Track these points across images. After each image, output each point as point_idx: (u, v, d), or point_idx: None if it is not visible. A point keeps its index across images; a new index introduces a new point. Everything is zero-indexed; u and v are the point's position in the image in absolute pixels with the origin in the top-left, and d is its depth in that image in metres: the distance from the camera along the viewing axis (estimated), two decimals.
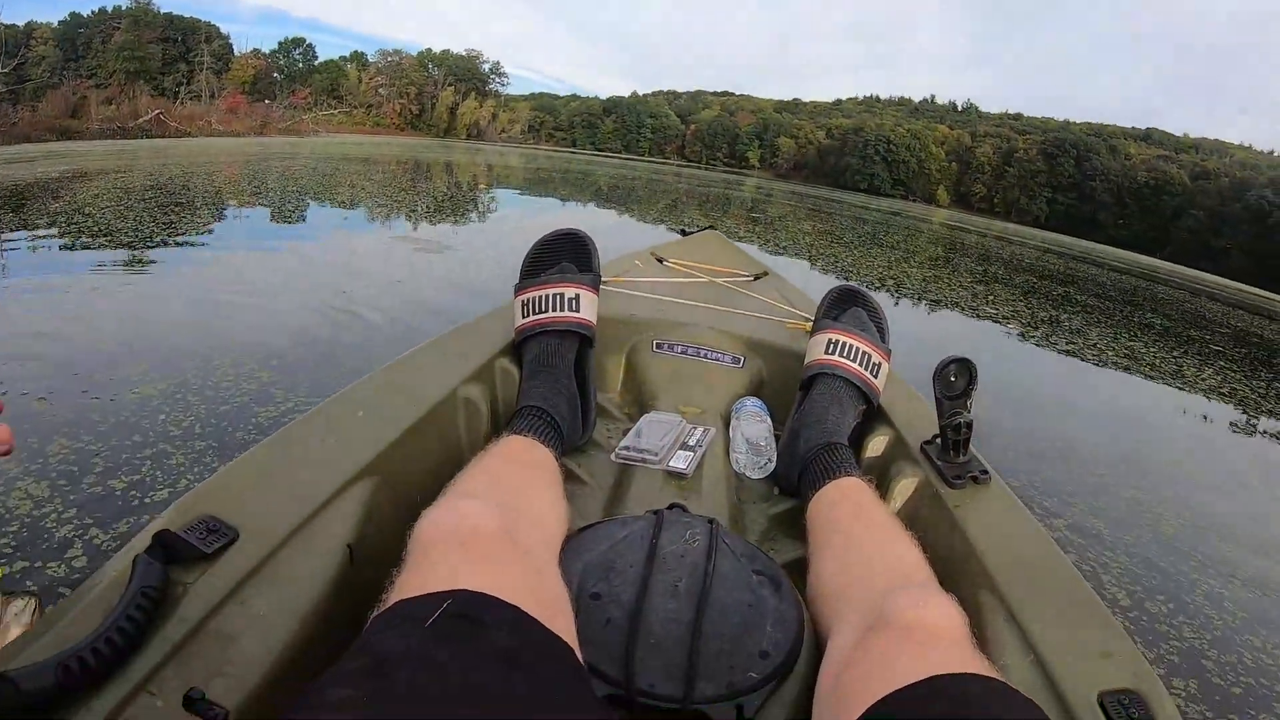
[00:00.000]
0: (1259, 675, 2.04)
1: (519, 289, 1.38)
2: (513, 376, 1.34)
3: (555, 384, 1.26)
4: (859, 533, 1.01)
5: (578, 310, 1.33)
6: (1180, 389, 5.91)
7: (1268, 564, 2.76)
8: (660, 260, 2.19)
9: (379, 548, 0.85)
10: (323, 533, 0.82)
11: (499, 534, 0.71)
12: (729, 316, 1.75)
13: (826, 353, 1.33)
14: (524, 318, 1.35)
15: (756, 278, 2.16)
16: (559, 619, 0.67)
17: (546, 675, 0.59)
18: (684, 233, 2.69)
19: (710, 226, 2.84)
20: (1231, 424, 5.38)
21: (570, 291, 1.34)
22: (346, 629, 0.73)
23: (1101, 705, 0.75)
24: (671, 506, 1.07)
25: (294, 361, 2.89)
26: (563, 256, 1.41)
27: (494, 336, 1.41)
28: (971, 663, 0.67)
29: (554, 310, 1.33)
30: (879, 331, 1.40)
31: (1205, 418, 5.38)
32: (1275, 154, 63.30)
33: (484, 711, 0.53)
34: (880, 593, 0.79)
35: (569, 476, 1.23)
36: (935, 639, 0.70)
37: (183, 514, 0.77)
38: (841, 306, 1.43)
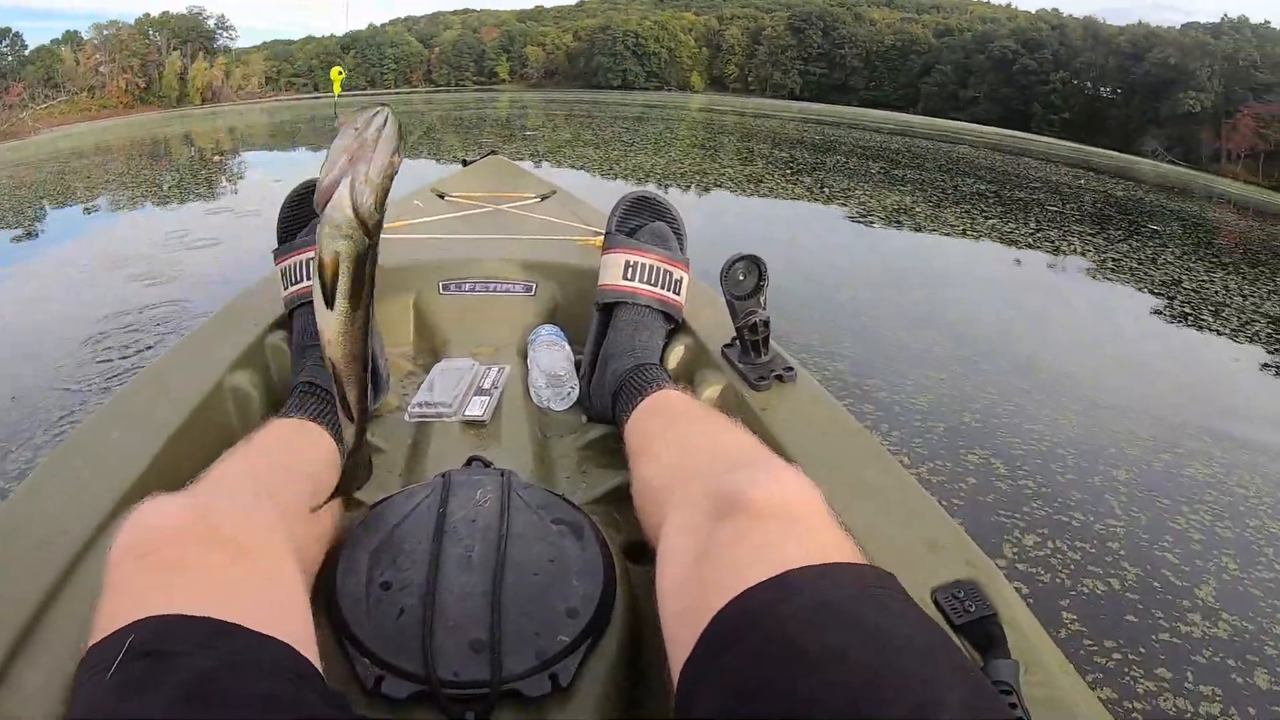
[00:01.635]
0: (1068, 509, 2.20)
1: (277, 255, 1.21)
2: (288, 354, 1.19)
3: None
4: (684, 429, 0.94)
5: None
6: (954, 236, 6.32)
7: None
8: (441, 196, 2.04)
9: None
10: (79, 588, 0.70)
11: (194, 535, 0.59)
12: (517, 244, 1.64)
13: (625, 278, 1.22)
14: (286, 288, 1.19)
15: (544, 198, 2.05)
16: (290, 621, 0.59)
17: (251, 692, 0.50)
18: (465, 162, 2.54)
19: (493, 152, 2.67)
20: (1017, 263, 5.81)
21: None
22: None
23: (935, 601, 0.72)
24: (470, 461, 0.98)
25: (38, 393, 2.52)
26: (312, 211, 1.24)
27: (262, 311, 1.25)
28: (839, 545, 0.61)
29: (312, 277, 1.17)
30: (677, 237, 1.30)
31: (994, 260, 5.77)
32: (1011, 6, 67.08)
33: None
34: (720, 476, 0.70)
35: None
36: (792, 518, 0.63)
37: None
38: (635, 217, 1.32)
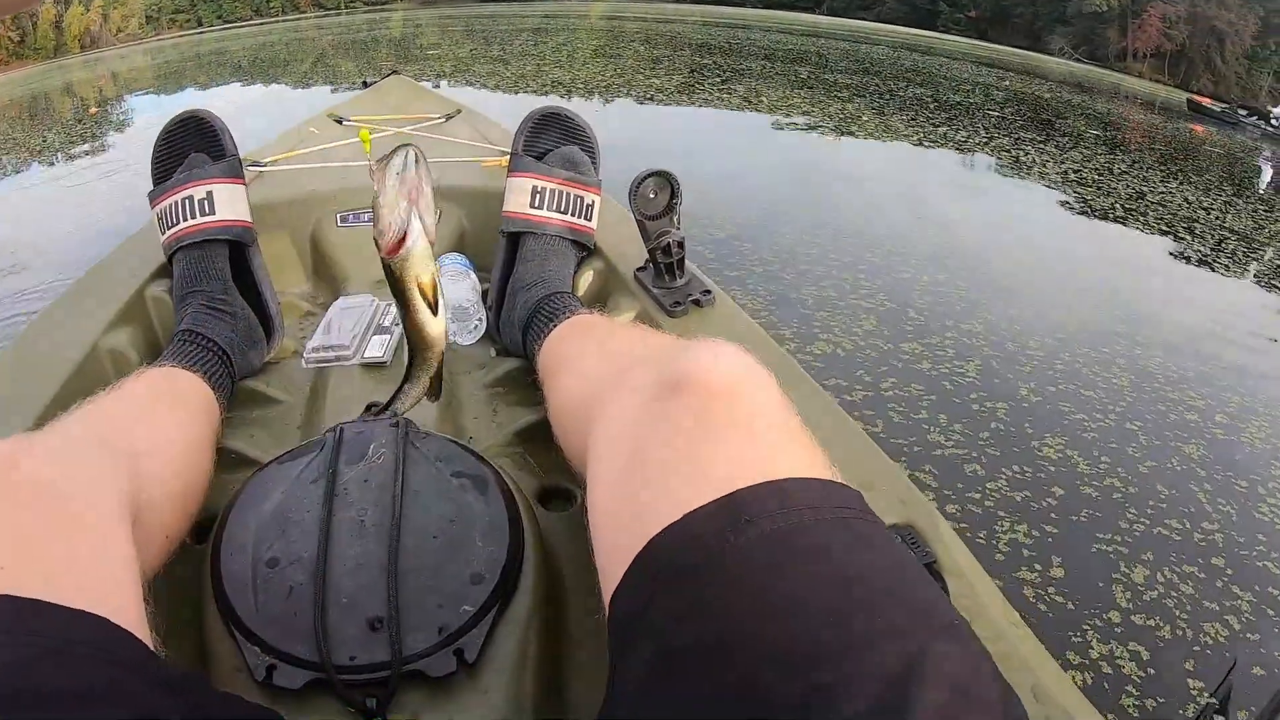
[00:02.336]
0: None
1: (153, 197, 1.10)
2: (171, 305, 1.08)
3: (211, 303, 1.02)
4: (606, 340, 0.86)
5: (213, 212, 1.06)
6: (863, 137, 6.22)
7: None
8: (339, 121, 1.90)
9: None
10: None
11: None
12: None
13: (533, 206, 1.12)
14: (164, 232, 1.08)
15: (448, 118, 1.92)
16: (117, 595, 0.49)
17: (58, 688, 0.42)
18: (365, 84, 2.37)
19: (394, 71, 2.50)
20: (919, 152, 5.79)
21: (199, 191, 1.06)
22: None
23: None
24: (369, 408, 0.90)
25: None
26: (189, 147, 1.12)
27: (140, 262, 1.14)
28: (798, 449, 0.52)
29: (188, 218, 1.05)
30: (590, 157, 1.19)
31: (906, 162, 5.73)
32: None
33: None
34: (653, 364, 0.59)
35: (258, 401, 1.02)
36: (738, 399, 0.52)
37: None
38: (543, 135, 1.19)
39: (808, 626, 0.40)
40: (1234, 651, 1.64)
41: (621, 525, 0.52)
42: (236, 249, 1.09)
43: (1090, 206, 5.10)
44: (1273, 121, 13.50)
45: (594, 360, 0.80)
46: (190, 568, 0.71)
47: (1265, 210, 5.86)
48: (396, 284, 0.71)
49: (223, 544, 0.68)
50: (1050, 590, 1.75)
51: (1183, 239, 4.67)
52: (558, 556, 0.77)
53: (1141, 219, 4.95)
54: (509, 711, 0.61)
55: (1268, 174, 8.20)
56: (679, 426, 0.52)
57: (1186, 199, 5.73)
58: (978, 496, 2.01)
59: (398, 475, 0.71)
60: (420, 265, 0.70)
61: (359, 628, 0.61)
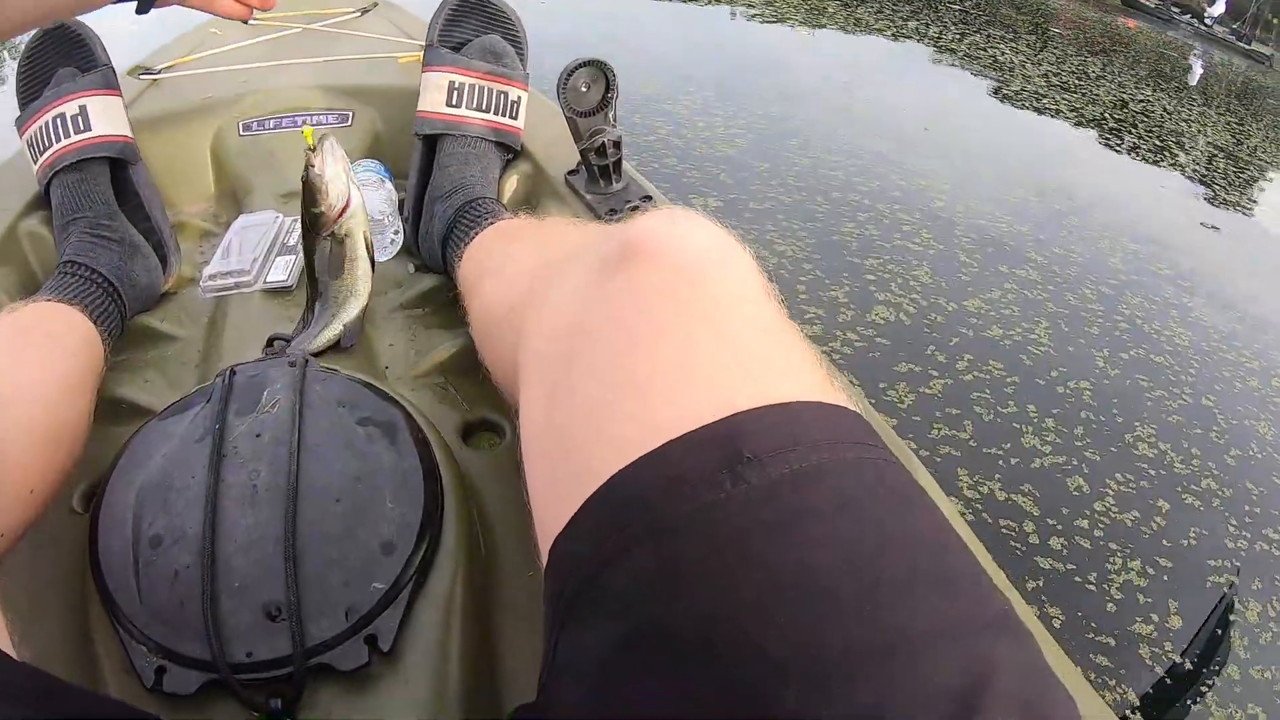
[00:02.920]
0: None
1: (20, 124, 0.97)
2: (49, 238, 0.96)
3: (94, 229, 0.89)
4: (532, 239, 0.75)
5: (88, 128, 0.93)
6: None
7: None
8: (245, 20, 1.71)
9: None
10: None
11: None
12: (330, 67, 1.37)
13: (450, 104, 0.99)
14: (37, 159, 0.95)
15: (364, 12, 1.74)
16: None
17: None
18: None
19: None
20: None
21: (70, 107, 0.93)
22: None
23: None
24: (271, 341, 0.80)
25: None
26: (55, 62, 0.98)
27: (11, 196, 1.00)
28: (795, 348, 0.41)
29: (60, 139, 0.92)
30: (516, 48, 1.05)
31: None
32: None
33: None
34: (590, 252, 0.47)
35: (153, 339, 0.91)
36: (705, 281, 0.41)
37: None
38: (461, 25, 1.04)
39: (840, 619, 0.29)
40: None
41: (566, 454, 0.40)
42: (119, 168, 0.96)
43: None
44: (1206, 20, 13.37)
45: (522, 261, 0.68)
46: (78, 540, 0.62)
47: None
48: (339, 247, 0.78)
49: (101, 519, 0.58)
50: (1168, 648, 1.56)
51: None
52: (485, 507, 0.69)
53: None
54: (434, 703, 0.53)
55: (1198, 71, 8.13)
56: (640, 312, 0.40)
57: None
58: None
59: (294, 427, 0.61)
60: (363, 220, 0.80)
61: (255, 616, 0.52)
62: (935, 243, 2.69)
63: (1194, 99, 6.29)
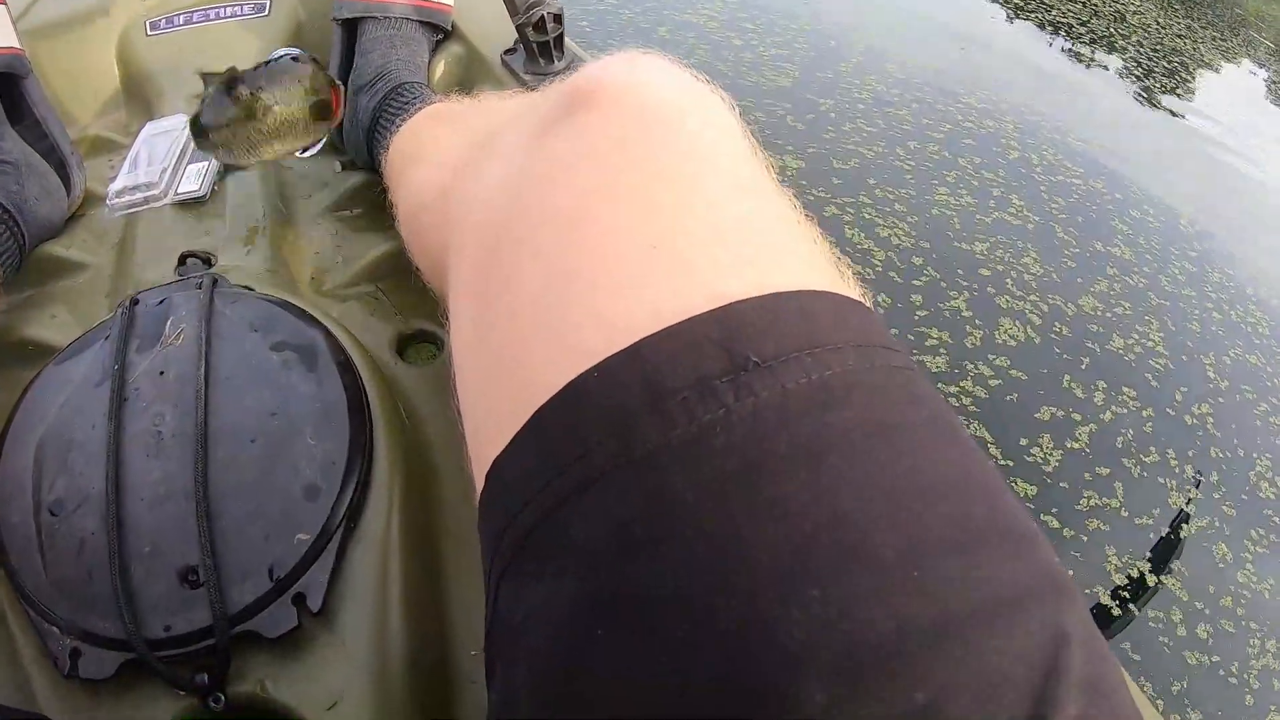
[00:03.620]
0: None
1: None
2: None
3: None
4: (466, 117, 0.66)
5: None
6: None
7: None
8: None
9: None
10: None
11: None
12: None
13: None
14: None
15: None
16: None
17: None
18: None
19: None
20: None
21: None
22: None
23: None
24: (184, 259, 0.72)
25: None
26: None
27: None
28: (796, 223, 0.32)
29: None
30: None
31: None
32: None
33: None
34: (532, 110, 0.38)
35: (60, 268, 0.82)
36: (700, 147, 0.32)
37: None
38: None
39: (883, 589, 0.22)
40: None
41: (506, 360, 0.32)
42: (9, 84, 0.85)
43: None
44: None
45: (451, 140, 0.59)
46: None
47: None
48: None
49: None
50: None
51: None
52: (424, 430, 0.62)
53: None
54: (375, 661, 0.47)
55: None
56: (594, 173, 0.31)
57: None
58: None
59: (200, 360, 0.54)
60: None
61: (170, 584, 0.46)
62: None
63: None
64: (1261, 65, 4.57)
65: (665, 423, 0.25)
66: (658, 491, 0.24)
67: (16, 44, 0.86)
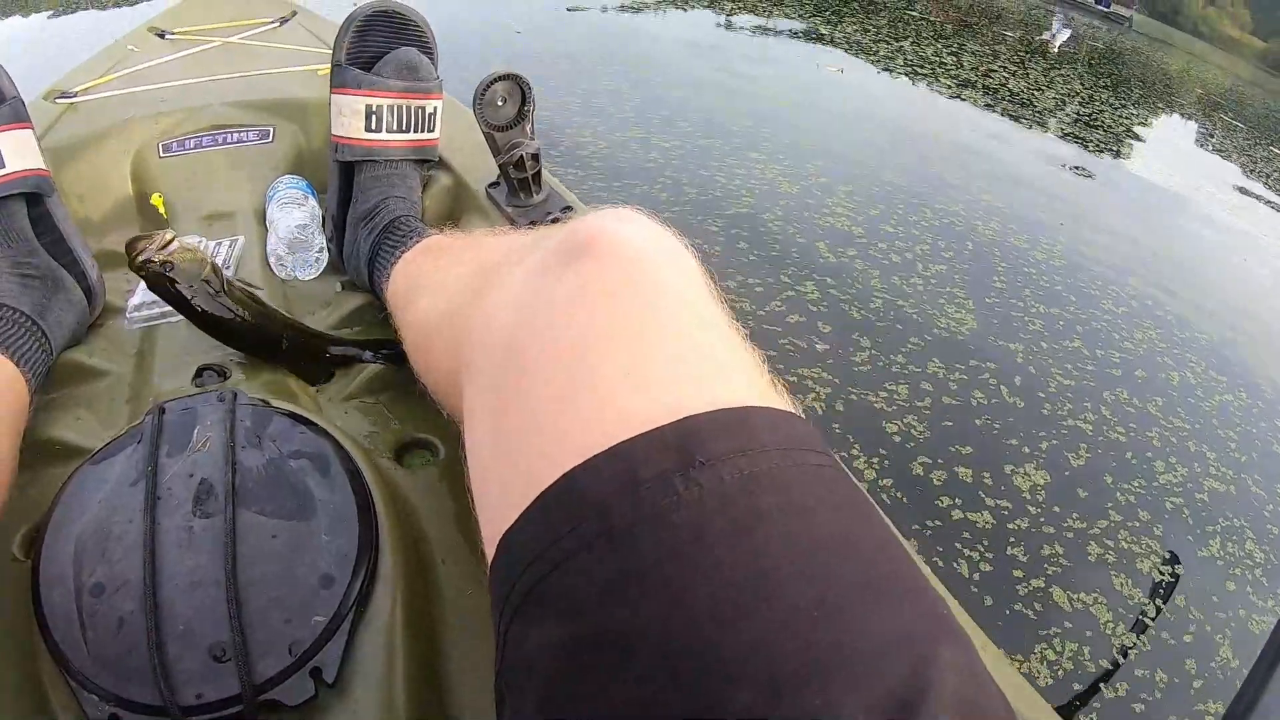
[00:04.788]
0: None
1: None
2: None
3: (15, 268, 0.86)
4: (464, 250, 0.74)
5: (1, 165, 0.89)
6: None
7: None
8: (161, 35, 1.66)
9: None
10: None
11: None
12: (249, 82, 1.35)
13: (370, 129, 0.96)
14: None
15: (283, 21, 1.71)
16: None
17: None
18: None
19: None
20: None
21: None
22: None
23: None
24: (201, 372, 0.80)
25: None
26: None
27: None
28: (744, 351, 0.41)
29: None
30: (427, 54, 1.02)
31: None
32: None
33: None
34: (533, 252, 0.47)
35: (82, 375, 0.90)
36: (670, 293, 0.41)
37: None
38: (369, 39, 1.00)
39: (794, 624, 0.30)
40: None
41: (517, 455, 0.40)
42: (35, 203, 0.93)
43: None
44: None
45: (454, 272, 0.68)
46: (22, 589, 0.62)
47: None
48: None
49: (41, 569, 0.58)
50: None
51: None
52: (422, 528, 0.70)
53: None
54: None
55: (1062, 35, 8.31)
56: (591, 310, 0.40)
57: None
58: None
59: (227, 465, 0.62)
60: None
61: (202, 659, 0.53)
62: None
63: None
64: None
65: (636, 505, 0.33)
66: (630, 554, 0.33)
67: (43, 165, 0.94)
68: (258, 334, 0.82)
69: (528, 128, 0.96)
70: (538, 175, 0.98)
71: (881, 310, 2.22)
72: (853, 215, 2.72)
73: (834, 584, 0.31)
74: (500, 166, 0.96)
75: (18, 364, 0.78)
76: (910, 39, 5.91)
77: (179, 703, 0.51)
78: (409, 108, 0.99)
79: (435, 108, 1.02)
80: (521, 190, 0.97)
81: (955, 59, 5.54)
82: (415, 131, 1.00)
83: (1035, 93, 5.19)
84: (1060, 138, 4.43)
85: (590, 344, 0.39)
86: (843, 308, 2.20)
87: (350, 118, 0.96)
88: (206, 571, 0.56)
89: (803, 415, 0.39)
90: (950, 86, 4.84)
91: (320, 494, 0.62)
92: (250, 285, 0.85)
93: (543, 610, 0.35)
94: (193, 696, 0.52)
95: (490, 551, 0.40)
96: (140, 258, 0.76)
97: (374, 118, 0.96)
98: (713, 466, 0.33)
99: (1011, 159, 3.79)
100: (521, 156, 0.95)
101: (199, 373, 0.80)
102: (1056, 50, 7.36)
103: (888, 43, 5.62)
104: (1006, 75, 5.40)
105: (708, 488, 0.33)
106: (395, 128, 0.98)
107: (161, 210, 0.91)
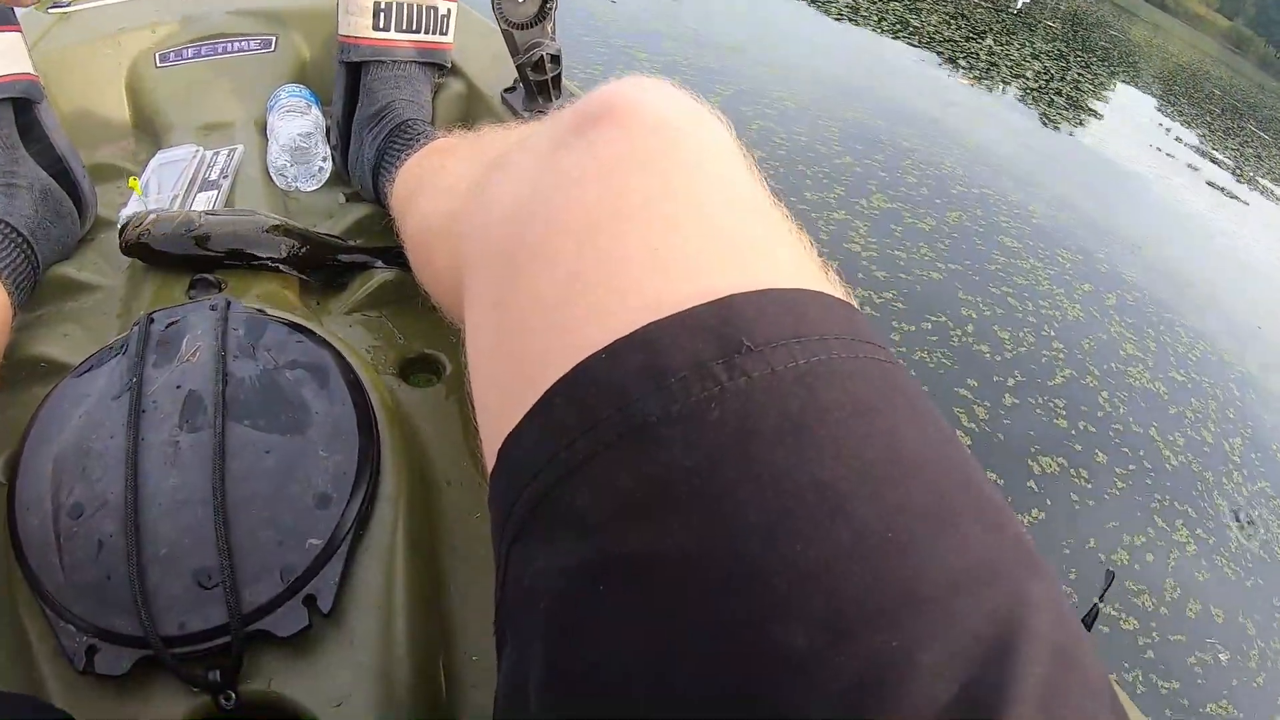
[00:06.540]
0: None
1: None
2: None
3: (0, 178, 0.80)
4: (469, 148, 0.68)
5: None
6: None
7: None
8: None
9: None
10: None
11: None
12: None
13: (377, 27, 0.89)
14: None
15: None
16: None
17: None
18: None
19: None
20: None
21: None
22: None
23: None
24: (194, 284, 0.74)
25: None
26: None
27: None
28: (789, 232, 0.35)
29: None
30: None
31: None
32: None
33: None
34: (542, 129, 0.41)
35: (71, 290, 0.83)
36: (706, 165, 0.35)
37: None
38: None
39: (861, 549, 0.24)
40: None
41: (520, 354, 0.34)
42: (23, 109, 0.86)
43: None
44: None
45: (459, 169, 0.61)
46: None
47: None
48: None
49: (18, 490, 0.52)
50: None
51: None
52: (426, 449, 0.64)
53: None
54: (381, 661, 0.49)
55: None
56: (604, 185, 0.33)
57: None
58: None
59: (218, 376, 0.56)
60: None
61: (186, 585, 0.47)
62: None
63: None
64: None
65: (665, 398, 0.27)
66: (657, 460, 0.26)
67: (31, 70, 0.87)
68: (252, 244, 0.76)
69: (549, 27, 0.88)
70: (558, 79, 0.90)
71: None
72: None
73: (908, 501, 0.25)
74: (518, 68, 0.88)
75: (2, 277, 0.72)
76: None
77: (160, 632, 0.46)
78: (420, 6, 0.91)
79: (449, 10, 0.94)
80: (540, 94, 0.90)
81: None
82: (427, 32, 0.92)
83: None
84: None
85: (608, 219, 0.33)
86: None
87: (357, 15, 0.89)
88: (193, 490, 0.50)
89: (857, 308, 0.33)
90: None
91: (318, 406, 0.56)
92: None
93: (549, 530, 0.29)
94: (175, 626, 0.46)
95: (490, 460, 0.34)
96: (120, 241, 0.77)
97: (382, 15, 0.89)
98: (761, 354, 0.27)
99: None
100: (542, 57, 0.87)
101: (193, 284, 0.74)
102: (1018, 9, 7.40)
103: None
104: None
105: (755, 378, 0.27)
106: (405, 26, 0.90)
107: (138, 193, 0.85)
